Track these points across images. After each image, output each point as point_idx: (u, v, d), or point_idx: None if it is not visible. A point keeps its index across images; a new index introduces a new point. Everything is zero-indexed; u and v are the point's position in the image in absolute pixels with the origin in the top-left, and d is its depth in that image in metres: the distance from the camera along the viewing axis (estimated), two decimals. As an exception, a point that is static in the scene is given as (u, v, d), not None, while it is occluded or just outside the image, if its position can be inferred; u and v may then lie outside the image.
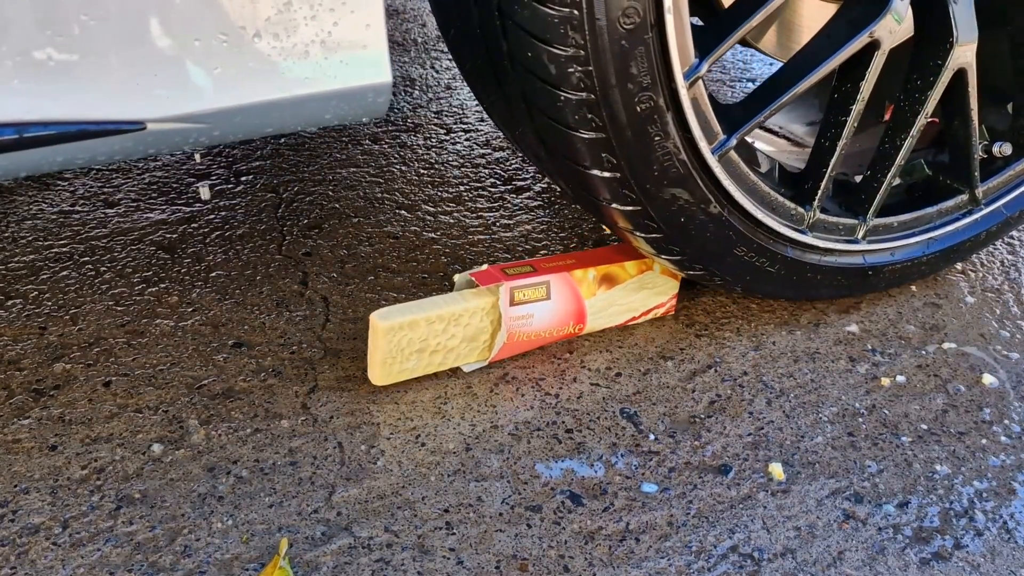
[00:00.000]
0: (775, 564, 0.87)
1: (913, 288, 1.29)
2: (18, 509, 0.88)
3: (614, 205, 0.98)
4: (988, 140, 1.21)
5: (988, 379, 1.12)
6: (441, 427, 1.00)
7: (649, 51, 0.88)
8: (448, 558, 0.85)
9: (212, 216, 1.35)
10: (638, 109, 0.91)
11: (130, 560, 0.83)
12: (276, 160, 1.51)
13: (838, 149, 1.07)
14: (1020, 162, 1.21)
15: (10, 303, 1.16)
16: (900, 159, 1.11)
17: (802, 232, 1.10)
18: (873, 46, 1.02)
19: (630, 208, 0.99)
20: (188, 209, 1.37)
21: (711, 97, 1.00)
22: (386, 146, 1.57)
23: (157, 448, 0.96)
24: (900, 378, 1.12)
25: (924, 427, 1.05)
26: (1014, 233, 1.43)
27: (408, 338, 1.00)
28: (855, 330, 1.20)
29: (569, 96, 0.88)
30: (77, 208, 1.35)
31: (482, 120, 1.65)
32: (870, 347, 1.17)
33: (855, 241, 1.15)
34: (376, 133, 1.60)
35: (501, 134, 1.61)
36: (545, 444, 0.99)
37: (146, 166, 1.47)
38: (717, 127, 0.98)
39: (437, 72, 1.83)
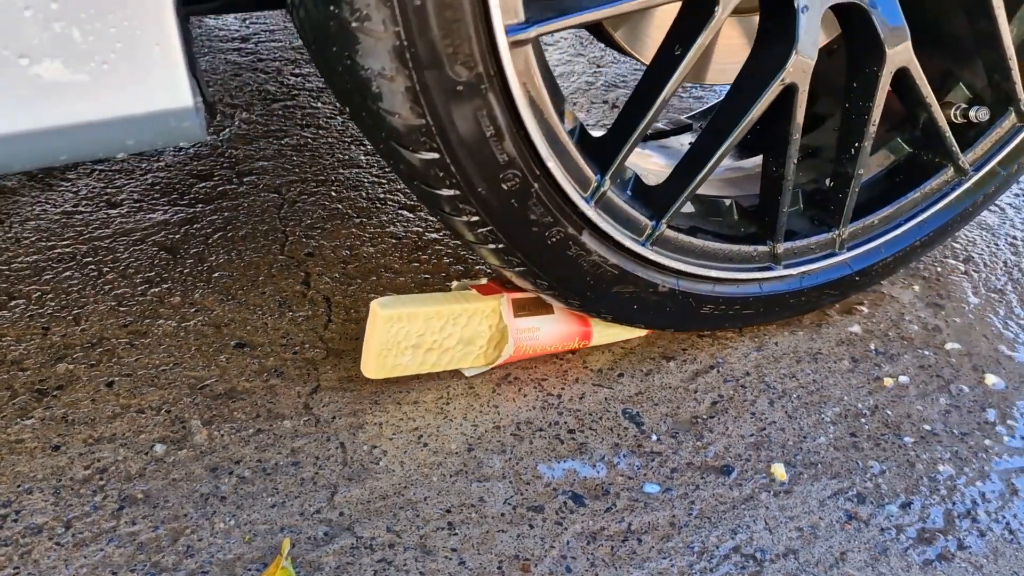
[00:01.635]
0: (777, 565, 0.87)
1: (916, 288, 1.29)
2: (21, 509, 0.88)
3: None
4: (967, 104, 1.17)
5: (991, 379, 1.12)
6: (443, 427, 1.00)
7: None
8: (450, 558, 0.85)
9: (215, 217, 1.35)
10: (550, 241, 0.94)
11: (133, 560, 0.83)
12: (279, 161, 1.51)
13: (786, 188, 1.05)
14: (1003, 120, 1.17)
15: (13, 303, 1.16)
16: (859, 169, 1.08)
17: (772, 268, 1.11)
18: (791, 90, 0.98)
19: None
20: (191, 210, 1.37)
21: (637, 179, 1.01)
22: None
23: (160, 448, 0.96)
24: (903, 378, 1.12)
25: (927, 428, 1.05)
26: (1017, 234, 1.42)
27: (406, 331, 0.99)
28: (857, 330, 1.20)
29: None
30: (80, 208, 1.36)
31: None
32: (873, 347, 1.17)
33: (835, 254, 1.14)
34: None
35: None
36: (547, 444, 0.99)
37: (149, 167, 1.47)
38: (644, 220, 0.99)
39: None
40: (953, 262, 1.35)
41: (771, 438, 1.02)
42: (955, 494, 0.96)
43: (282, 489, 0.92)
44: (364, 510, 0.90)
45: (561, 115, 0.93)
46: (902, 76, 1.04)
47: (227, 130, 1.60)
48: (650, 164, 1.23)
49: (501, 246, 0.94)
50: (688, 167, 1.02)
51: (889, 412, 1.07)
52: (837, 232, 1.12)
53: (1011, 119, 1.16)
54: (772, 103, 0.98)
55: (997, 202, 1.51)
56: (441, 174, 0.85)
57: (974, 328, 1.21)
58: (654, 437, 1.01)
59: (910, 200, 1.17)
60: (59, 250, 1.26)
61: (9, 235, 1.29)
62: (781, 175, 1.04)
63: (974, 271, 1.33)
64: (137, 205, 1.37)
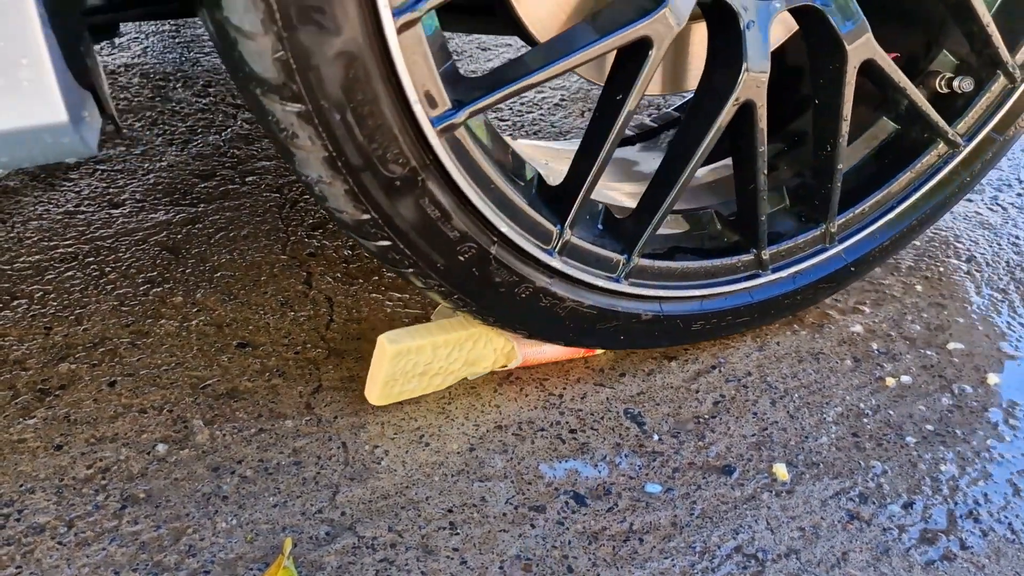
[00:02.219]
0: (779, 565, 0.87)
1: (918, 288, 1.28)
2: (23, 508, 0.88)
3: None
4: (953, 74, 1.13)
5: (993, 379, 1.12)
6: (445, 427, 1.00)
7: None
8: (452, 558, 0.85)
9: (217, 217, 1.36)
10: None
11: (135, 560, 0.84)
12: (280, 160, 1.51)
13: (761, 198, 1.03)
14: (988, 90, 1.13)
15: (15, 303, 1.16)
16: (839, 164, 1.05)
17: (760, 275, 1.09)
18: (748, 107, 0.96)
19: None
20: (193, 209, 1.37)
21: (607, 211, 1.00)
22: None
23: (162, 448, 0.96)
24: (905, 378, 1.12)
25: (929, 428, 1.05)
26: (1019, 234, 1.42)
27: (414, 362, 0.99)
28: (859, 330, 1.20)
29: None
30: (82, 208, 1.36)
31: (486, 120, 1.65)
32: (875, 347, 1.17)
33: (826, 249, 1.12)
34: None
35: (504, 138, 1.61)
36: (549, 444, 0.99)
37: (151, 167, 1.47)
38: (615, 256, 0.99)
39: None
40: (956, 262, 1.35)
41: (773, 438, 1.02)
42: (957, 494, 0.96)
43: (284, 489, 0.92)
44: (366, 510, 0.90)
45: (515, 175, 0.93)
46: (869, 67, 1.01)
47: (229, 130, 1.60)
48: (616, 192, 1.20)
49: (474, 308, 0.96)
50: (653, 195, 1.00)
51: (891, 412, 1.07)
52: (826, 227, 1.11)
53: (1001, 82, 1.11)
54: (732, 120, 0.96)
55: (999, 202, 1.51)
56: (398, 257, 0.88)
57: (976, 328, 1.21)
58: (656, 437, 1.01)
59: (902, 181, 1.14)
60: (61, 250, 1.27)
61: (11, 235, 1.30)
62: (754, 188, 1.03)
63: (976, 271, 1.33)
64: (139, 205, 1.37)
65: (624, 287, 1.01)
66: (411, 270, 0.90)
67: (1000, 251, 1.38)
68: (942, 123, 1.10)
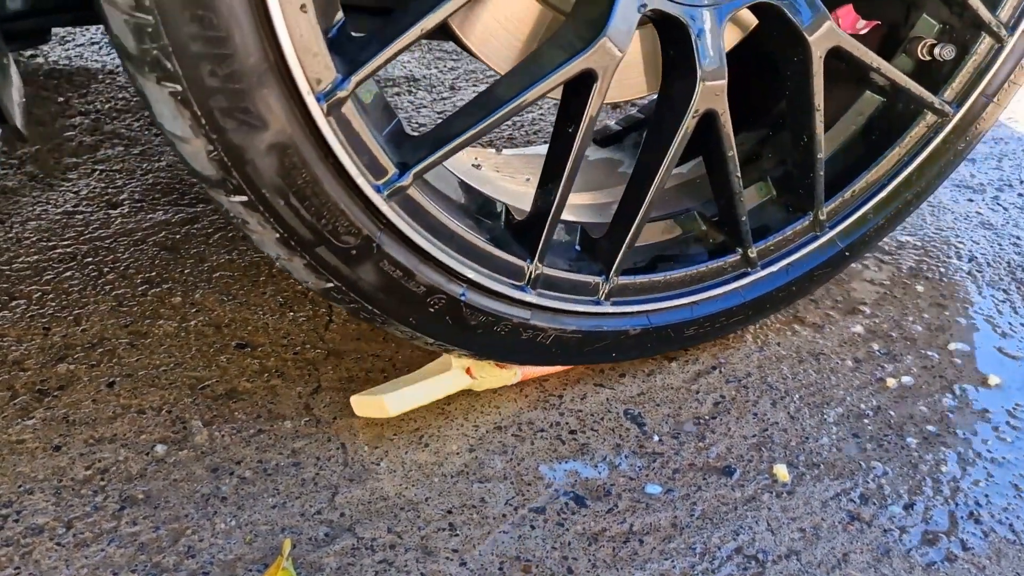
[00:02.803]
0: (779, 566, 0.87)
1: (919, 288, 1.28)
2: (22, 509, 0.88)
3: None
4: (935, 40, 1.07)
5: (994, 380, 1.12)
6: (444, 428, 1.00)
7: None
8: (451, 559, 0.85)
9: (215, 216, 1.35)
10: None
11: (134, 561, 0.83)
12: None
13: (739, 200, 1.01)
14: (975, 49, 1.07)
15: (14, 304, 1.16)
16: (818, 153, 1.02)
17: (749, 274, 1.07)
18: (710, 115, 0.93)
19: None
20: (191, 209, 1.37)
21: (583, 232, 0.98)
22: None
23: (160, 449, 0.95)
24: (906, 379, 1.12)
25: (930, 428, 1.04)
26: (1020, 234, 1.42)
27: (412, 409, 1.01)
28: (860, 331, 1.19)
29: None
30: (81, 209, 1.36)
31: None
32: (876, 348, 1.16)
33: (818, 236, 1.09)
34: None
35: (505, 140, 1.61)
36: (549, 445, 0.99)
37: (150, 167, 1.47)
38: (593, 279, 0.98)
39: (442, 73, 1.83)
40: (957, 262, 1.35)
41: (773, 439, 1.01)
42: (958, 495, 0.96)
43: (283, 490, 0.92)
44: (365, 511, 0.90)
45: (481, 215, 0.92)
46: (837, 54, 0.97)
47: (228, 130, 1.60)
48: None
49: (457, 348, 0.97)
50: (622, 213, 0.97)
51: (892, 413, 1.06)
52: (814, 215, 1.07)
53: (986, 42, 1.06)
54: (697, 131, 0.93)
55: (1000, 202, 1.51)
56: (370, 315, 0.89)
57: (978, 328, 1.21)
58: (656, 438, 1.01)
59: (891, 158, 1.10)
60: (60, 250, 1.26)
61: (10, 235, 1.29)
62: (730, 192, 1.00)
63: (977, 271, 1.33)
64: (138, 205, 1.37)
65: (607, 308, 0.99)
66: (387, 325, 0.91)
67: (1001, 252, 1.37)
68: (926, 94, 1.05)
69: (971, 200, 1.51)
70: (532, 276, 0.94)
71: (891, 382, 1.11)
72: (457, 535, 0.88)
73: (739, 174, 0.99)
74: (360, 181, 0.80)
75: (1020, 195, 1.53)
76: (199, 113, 0.72)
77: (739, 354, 1.14)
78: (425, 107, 1.69)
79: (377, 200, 0.82)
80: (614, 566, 0.86)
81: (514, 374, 1.04)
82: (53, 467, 0.93)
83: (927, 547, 0.90)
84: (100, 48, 1.87)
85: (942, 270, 1.33)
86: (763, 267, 1.08)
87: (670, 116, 0.93)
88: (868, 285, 1.28)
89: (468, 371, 1.00)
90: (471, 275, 0.90)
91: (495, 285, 0.92)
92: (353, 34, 0.79)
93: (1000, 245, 1.39)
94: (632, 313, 1.02)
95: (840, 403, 1.07)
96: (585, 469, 0.96)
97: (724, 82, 0.92)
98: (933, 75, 1.08)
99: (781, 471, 0.97)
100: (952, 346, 1.17)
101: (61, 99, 1.63)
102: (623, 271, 1.00)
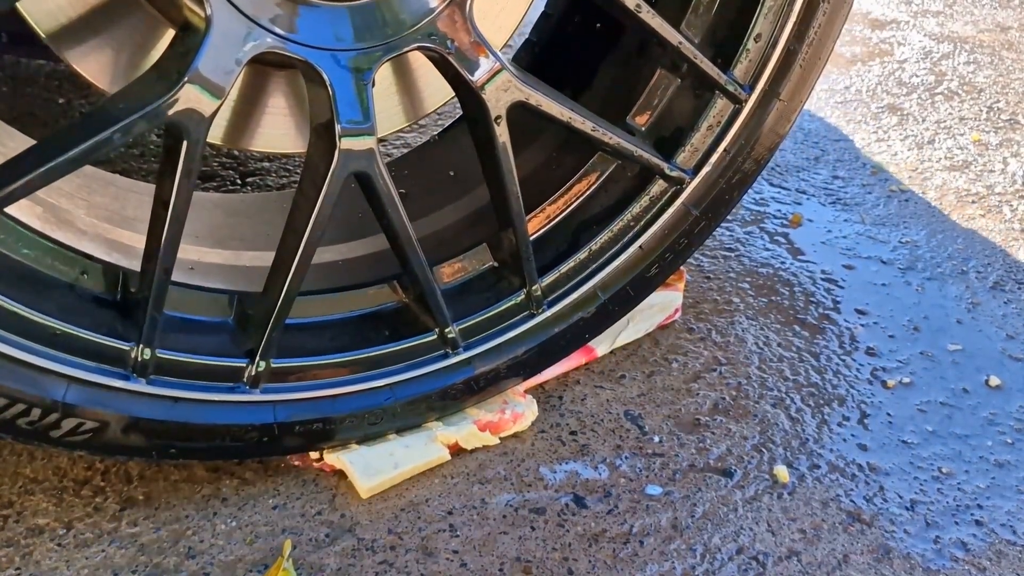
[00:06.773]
0: (780, 567, 0.87)
1: (920, 289, 1.28)
2: (23, 510, 0.88)
3: None
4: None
5: (995, 381, 1.12)
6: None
7: None
8: (452, 560, 0.85)
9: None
10: None
11: (134, 561, 0.83)
12: (281, 161, 1.51)
13: (427, 281, 0.89)
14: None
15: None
16: (521, 227, 0.92)
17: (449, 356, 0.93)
18: (364, 177, 0.79)
19: None
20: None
21: (240, 303, 0.86)
22: (391, 147, 1.57)
23: (161, 450, 0.95)
24: (906, 379, 1.12)
25: (930, 429, 1.04)
26: (1019, 235, 1.42)
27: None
28: (860, 331, 1.19)
29: None
30: (82, 209, 1.36)
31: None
32: (876, 348, 1.16)
33: (534, 318, 0.97)
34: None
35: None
36: (549, 446, 0.99)
37: (151, 168, 1.47)
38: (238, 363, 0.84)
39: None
40: (957, 262, 1.35)
41: (773, 440, 1.01)
42: (959, 495, 0.96)
43: (283, 490, 0.92)
44: (365, 512, 0.90)
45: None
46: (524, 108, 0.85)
47: (229, 131, 1.60)
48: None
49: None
50: (275, 282, 0.82)
51: (893, 413, 1.06)
52: (527, 292, 0.94)
53: (722, 102, 0.96)
54: (365, 194, 0.81)
55: (996, 204, 1.51)
56: None
57: (979, 330, 1.21)
58: (656, 439, 1.01)
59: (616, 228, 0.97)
60: (61, 251, 1.26)
61: (11, 236, 1.29)
62: (412, 274, 0.88)
63: (977, 272, 1.33)
64: (139, 206, 1.37)
65: (254, 397, 0.85)
66: None
67: (1003, 252, 1.37)
68: (656, 160, 0.95)
69: (972, 201, 1.51)
70: (140, 365, 0.80)
71: (892, 382, 1.11)
72: (457, 536, 0.88)
73: (420, 250, 0.87)
74: None
75: (1021, 196, 1.53)
76: None
77: (739, 355, 1.14)
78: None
79: None
80: (614, 567, 0.86)
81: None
82: (54, 468, 0.93)
83: (928, 548, 0.90)
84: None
85: (941, 271, 1.33)
86: (465, 350, 0.94)
87: (310, 180, 0.79)
88: (868, 285, 1.29)
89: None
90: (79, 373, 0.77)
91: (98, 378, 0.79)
92: None
93: (1000, 246, 1.38)
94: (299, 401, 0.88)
95: (840, 404, 1.07)
96: (585, 470, 0.96)
97: (372, 140, 0.77)
98: (667, 139, 0.99)
99: (781, 472, 0.97)
100: (953, 347, 1.17)
101: (63, 100, 1.63)
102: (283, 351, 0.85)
